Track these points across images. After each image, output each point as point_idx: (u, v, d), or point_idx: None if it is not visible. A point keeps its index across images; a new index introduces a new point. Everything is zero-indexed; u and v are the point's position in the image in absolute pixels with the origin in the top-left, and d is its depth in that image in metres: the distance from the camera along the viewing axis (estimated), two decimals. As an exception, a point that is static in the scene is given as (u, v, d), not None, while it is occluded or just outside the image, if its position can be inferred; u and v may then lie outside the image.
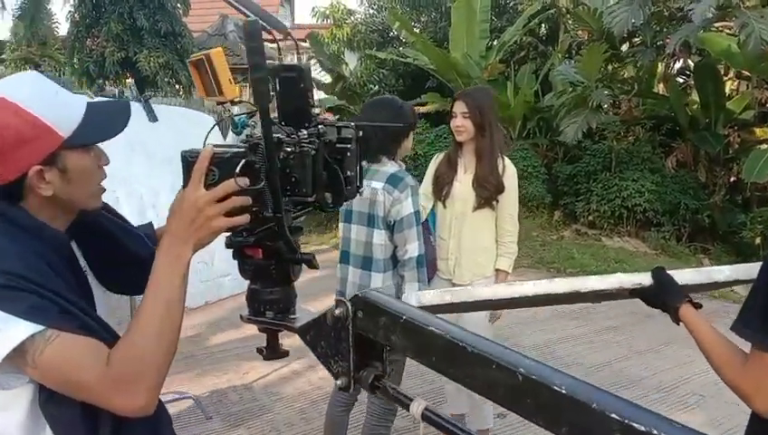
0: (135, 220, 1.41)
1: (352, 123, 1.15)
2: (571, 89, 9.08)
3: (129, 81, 11.24)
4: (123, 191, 4.41)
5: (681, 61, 9.71)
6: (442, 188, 2.96)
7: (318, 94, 14.94)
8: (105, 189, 1.19)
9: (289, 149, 1.02)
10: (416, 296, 2.02)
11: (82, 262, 1.19)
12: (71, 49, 11.07)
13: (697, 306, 1.38)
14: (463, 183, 2.91)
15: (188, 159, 0.99)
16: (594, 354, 4.81)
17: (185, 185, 1.02)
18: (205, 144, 1.11)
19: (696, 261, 8.00)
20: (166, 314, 1.03)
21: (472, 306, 1.93)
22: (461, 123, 2.87)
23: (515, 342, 5.00)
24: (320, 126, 1.05)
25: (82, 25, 10.67)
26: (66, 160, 1.07)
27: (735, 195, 9.28)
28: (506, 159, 2.93)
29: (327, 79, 14.18)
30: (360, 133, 1.14)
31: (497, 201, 2.87)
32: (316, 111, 1.03)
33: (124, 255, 1.26)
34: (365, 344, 0.95)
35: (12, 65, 16.09)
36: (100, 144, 1.16)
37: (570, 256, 7.89)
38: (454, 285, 2.94)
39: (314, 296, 3.88)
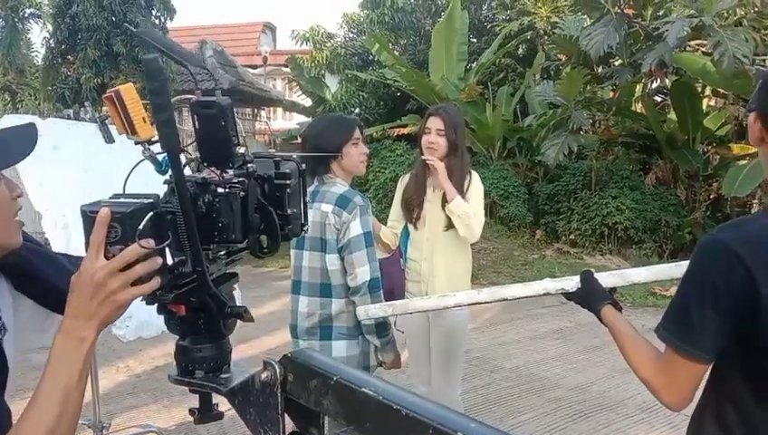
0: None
1: (294, 155, 1.06)
2: (551, 111, 9.12)
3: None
4: (74, 214, 4.23)
5: (658, 80, 9.78)
6: (412, 211, 2.87)
7: (299, 118, 14.89)
8: (24, 223, 1.05)
9: (214, 192, 0.93)
10: (363, 310, 2.21)
11: None
12: (45, 75, 10.93)
13: (619, 308, 1.48)
14: (433, 203, 2.83)
15: (89, 215, 0.87)
16: (576, 375, 4.73)
17: (87, 246, 0.88)
18: (125, 184, 1.01)
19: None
20: (63, 404, 0.90)
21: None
22: (435, 140, 2.79)
23: (496, 364, 4.90)
24: (249, 164, 0.96)
25: (57, 52, 10.55)
26: None
27: (716, 211, 9.32)
28: (473, 172, 2.89)
29: (308, 102, 14.15)
30: (303, 166, 1.05)
31: None
32: (241, 149, 0.93)
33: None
34: (300, 409, 0.86)
35: (-9, 94, 15.95)
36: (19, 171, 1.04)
37: (552, 275, 7.79)
38: (427, 309, 2.85)
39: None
